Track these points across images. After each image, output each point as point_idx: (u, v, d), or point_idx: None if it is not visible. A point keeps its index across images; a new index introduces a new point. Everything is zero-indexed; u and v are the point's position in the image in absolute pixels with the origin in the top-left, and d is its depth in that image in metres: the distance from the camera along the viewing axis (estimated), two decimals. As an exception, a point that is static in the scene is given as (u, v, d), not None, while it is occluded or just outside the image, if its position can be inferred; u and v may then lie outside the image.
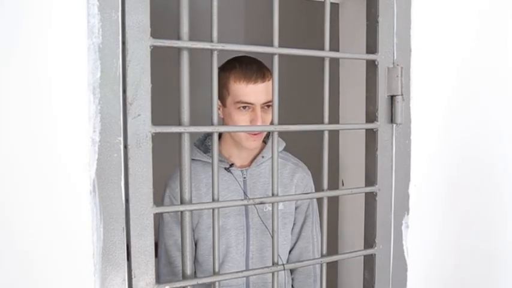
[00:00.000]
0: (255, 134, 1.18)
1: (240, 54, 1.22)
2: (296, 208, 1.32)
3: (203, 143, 1.30)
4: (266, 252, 1.26)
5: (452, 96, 1.12)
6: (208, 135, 1.31)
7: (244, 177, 1.26)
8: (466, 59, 1.13)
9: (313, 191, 1.35)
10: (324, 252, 0.97)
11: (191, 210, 0.83)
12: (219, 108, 1.22)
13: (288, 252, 1.33)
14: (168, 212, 1.23)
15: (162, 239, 1.26)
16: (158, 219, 1.27)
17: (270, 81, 1.17)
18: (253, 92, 1.14)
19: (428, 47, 1.06)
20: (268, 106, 1.17)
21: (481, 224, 1.20)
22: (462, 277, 1.18)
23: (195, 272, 1.27)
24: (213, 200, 0.85)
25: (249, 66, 1.16)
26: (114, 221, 0.76)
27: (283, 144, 1.32)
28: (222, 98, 1.19)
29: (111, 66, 0.75)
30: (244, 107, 1.15)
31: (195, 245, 1.26)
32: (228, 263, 1.23)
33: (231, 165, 1.24)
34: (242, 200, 0.89)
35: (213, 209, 0.85)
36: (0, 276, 0.71)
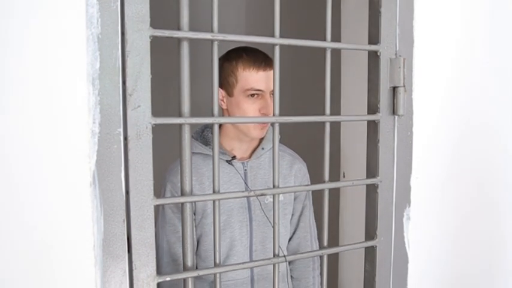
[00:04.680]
0: (263, 123, 1.18)
1: (241, 45, 1.21)
2: (295, 198, 1.33)
3: (201, 135, 1.28)
4: (268, 244, 1.26)
5: (454, 87, 1.11)
6: (207, 127, 1.30)
7: (245, 170, 1.25)
8: (469, 51, 1.12)
9: (309, 181, 1.37)
10: (325, 244, 0.97)
11: (192, 202, 0.83)
12: (222, 99, 1.21)
13: (287, 241, 1.34)
14: (169, 205, 1.22)
15: (163, 237, 1.23)
16: (156, 214, 1.25)
17: None
18: (263, 78, 1.15)
19: (431, 38, 1.05)
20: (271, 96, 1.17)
21: (483, 216, 1.20)
22: (463, 269, 1.18)
23: (196, 266, 1.26)
24: (214, 192, 0.85)
25: (256, 54, 1.17)
26: (114, 213, 0.76)
27: (279, 136, 1.32)
28: (228, 87, 1.19)
29: (111, 57, 0.74)
30: (253, 95, 1.15)
31: (198, 241, 1.25)
32: (234, 257, 1.23)
33: (233, 157, 1.24)
34: (243, 191, 0.88)
35: (214, 201, 0.85)
36: (0, 269, 0.71)
